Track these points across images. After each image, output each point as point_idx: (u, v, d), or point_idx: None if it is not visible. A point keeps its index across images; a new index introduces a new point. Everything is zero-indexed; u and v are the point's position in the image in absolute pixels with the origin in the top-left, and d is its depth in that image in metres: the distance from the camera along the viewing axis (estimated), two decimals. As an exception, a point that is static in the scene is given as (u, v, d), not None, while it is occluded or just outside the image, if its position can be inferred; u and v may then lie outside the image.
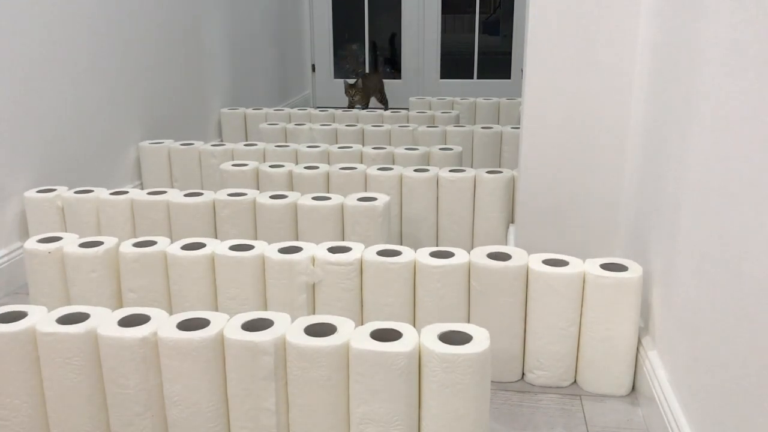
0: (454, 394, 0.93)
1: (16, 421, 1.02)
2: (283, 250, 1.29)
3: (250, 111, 2.81)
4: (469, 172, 1.82)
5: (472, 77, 4.33)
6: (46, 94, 1.81)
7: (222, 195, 1.66)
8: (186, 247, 1.32)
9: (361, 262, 1.26)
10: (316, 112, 2.74)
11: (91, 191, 1.74)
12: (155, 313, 1.05)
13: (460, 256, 1.25)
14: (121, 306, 1.37)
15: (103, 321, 1.02)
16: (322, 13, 4.33)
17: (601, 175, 1.46)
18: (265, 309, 1.31)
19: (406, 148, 2.09)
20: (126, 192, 1.71)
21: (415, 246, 1.38)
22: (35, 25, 1.75)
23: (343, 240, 1.62)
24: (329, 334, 0.97)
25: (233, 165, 1.92)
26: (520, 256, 1.24)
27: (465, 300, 1.25)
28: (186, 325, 1.00)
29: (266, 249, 1.30)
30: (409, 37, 4.31)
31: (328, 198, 1.63)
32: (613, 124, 1.43)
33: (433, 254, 1.26)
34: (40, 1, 1.77)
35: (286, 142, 2.48)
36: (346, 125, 2.46)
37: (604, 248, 1.50)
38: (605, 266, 1.21)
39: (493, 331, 1.21)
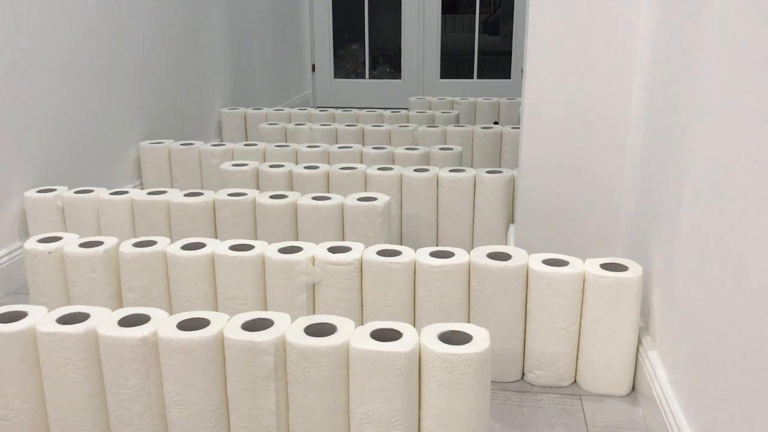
0: (454, 393, 0.93)
1: (16, 421, 1.02)
2: (283, 250, 1.29)
3: (250, 111, 2.81)
4: (469, 172, 1.82)
5: (472, 77, 4.34)
6: (46, 94, 1.81)
7: (222, 195, 1.66)
8: (186, 247, 1.32)
9: (361, 262, 1.26)
10: (316, 112, 2.74)
11: (91, 191, 1.74)
12: (155, 313, 1.05)
13: (460, 256, 1.25)
14: (121, 306, 1.37)
15: (103, 321, 1.02)
16: (322, 13, 4.33)
17: (601, 175, 1.46)
18: (265, 309, 1.31)
19: (406, 148, 2.09)
20: (126, 192, 1.71)
21: (415, 246, 1.39)
22: (35, 26, 1.75)
23: (343, 240, 1.62)
24: (329, 334, 0.97)
25: (233, 165, 1.92)
26: (520, 256, 1.24)
27: (465, 300, 1.25)
28: (186, 325, 1.00)
29: (266, 249, 1.30)
30: (409, 37, 4.31)
31: (328, 198, 1.63)
32: (613, 124, 1.43)
33: (433, 254, 1.26)
34: (39, 1, 1.77)
35: (286, 142, 2.48)
36: (346, 125, 2.46)
37: (604, 248, 1.50)
38: (605, 266, 1.21)
39: (493, 331, 1.21)
